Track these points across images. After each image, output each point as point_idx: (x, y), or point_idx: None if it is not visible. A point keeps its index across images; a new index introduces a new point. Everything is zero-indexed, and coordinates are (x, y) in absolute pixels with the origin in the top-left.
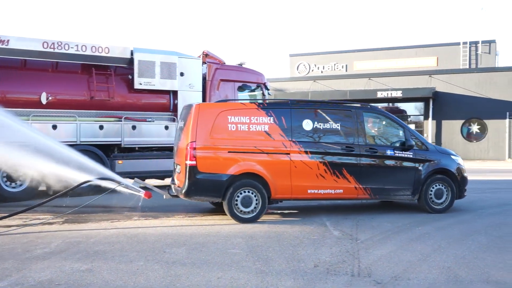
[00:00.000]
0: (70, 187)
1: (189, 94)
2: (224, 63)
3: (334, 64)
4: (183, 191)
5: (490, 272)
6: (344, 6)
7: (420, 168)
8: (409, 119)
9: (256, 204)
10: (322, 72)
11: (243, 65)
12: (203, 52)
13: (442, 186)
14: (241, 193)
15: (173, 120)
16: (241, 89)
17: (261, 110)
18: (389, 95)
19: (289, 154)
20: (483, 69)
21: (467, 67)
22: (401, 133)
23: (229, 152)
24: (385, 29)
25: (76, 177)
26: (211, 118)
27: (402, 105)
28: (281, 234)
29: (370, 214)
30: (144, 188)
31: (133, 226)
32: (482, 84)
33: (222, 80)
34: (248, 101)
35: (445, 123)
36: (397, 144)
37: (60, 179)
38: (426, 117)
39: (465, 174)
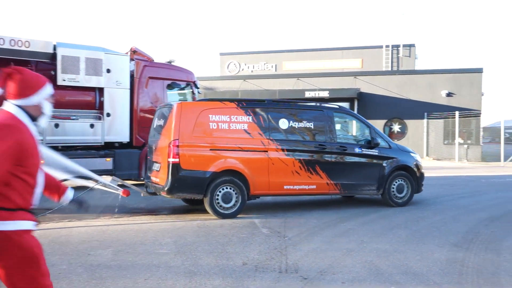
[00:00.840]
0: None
1: (116, 92)
2: (153, 60)
3: (264, 64)
4: (166, 188)
5: (409, 264)
6: (274, 7)
7: (384, 165)
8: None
9: (236, 200)
10: (252, 71)
11: (173, 63)
12: (131, 49)
13: (403, 181)
14: (222, 190)
15: (99, 118)
16: (170, 87)
17: (240, 109)
18: (317, 95)
19: (267, 151)
20: (404, 71)
21: (389, 69)
22: (367, 132)
23: (210, 149)
24: (313, 30)
25: (54, 175)
26: (193, 117)
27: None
28: (210, 233)
29: (298, 211)
30: (122, 186)
31: (55, 227)
32: (402, 86)
33: (150, 77)
34: (228, 100)
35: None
36: (364, 143)
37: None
38: None
39: (422, 170)
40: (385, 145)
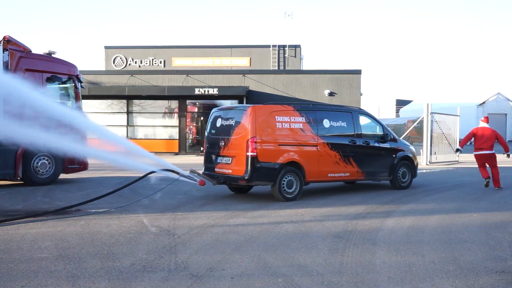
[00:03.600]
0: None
1: None
2: (30, 51)
3: (152, 59)
4: (246, 177)
5: (295, 257)
6: (162, 1)
7: (394, 155)
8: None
9: (296, 186)
10: (139, 66)
11: (53, 55)
12: (4, 38)
13: (405, 169)
14: (286, 178)
15: None
16: (50, 80)
17: (296, 111)
18: (206, 92)
19: (317, 146)
20: (290, 71)
21: (276, 68)
22: (380, 129)
23: (278, 145)
24: (202, 27)
25: (145, 168)
26: (265, 118)
27: (218, 102)
28: (95, 234)
29: (188, 209)
30: (198, 177)
31: None
32: (289, 85)
33: (27, 70)
34: (287, 104)
35: None
36: (378, 138)
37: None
38: None
39: (417, 160)
40: (393, 139)
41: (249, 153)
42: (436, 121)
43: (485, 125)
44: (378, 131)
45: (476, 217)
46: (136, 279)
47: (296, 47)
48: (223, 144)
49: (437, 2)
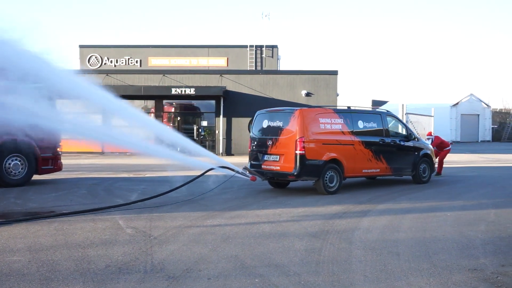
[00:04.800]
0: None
1: None
2: None
3: (128, 59)
4: (295, 173)
5: (272, 257)
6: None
7: (416, 153)
8: (202, 116)
9: (337, 181)
10: (115, 66)
11: None
12: None
13: (426, 165)
14: (328, 173)
15: None
16: None
17: (335, 113)
18: (183, 92)
19: (353, 144)
20: (267, 71)
21: (254, 68)
22: (404, 129)
23: (322, 144)
24: (179, 27)
25: (204, 165)
26: (310, 120)
27: (195, 102)
28: (69, 236)
29: (164, 209)
30: (250, 173)
31: None
32: (266, 85)
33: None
34: (327, 107)
35: (234, 120)
36: (403, 137)
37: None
38: (217, 114)
39: (435, 158)
40: (416, 138)
41: (298, 152)
42: (411, 122)
43: (433, 135)
44: (403, 131)
45: (450, 216)
46: (112, 281)
47: (273, 47)
48: (270, 143)
49: (410, 5)
